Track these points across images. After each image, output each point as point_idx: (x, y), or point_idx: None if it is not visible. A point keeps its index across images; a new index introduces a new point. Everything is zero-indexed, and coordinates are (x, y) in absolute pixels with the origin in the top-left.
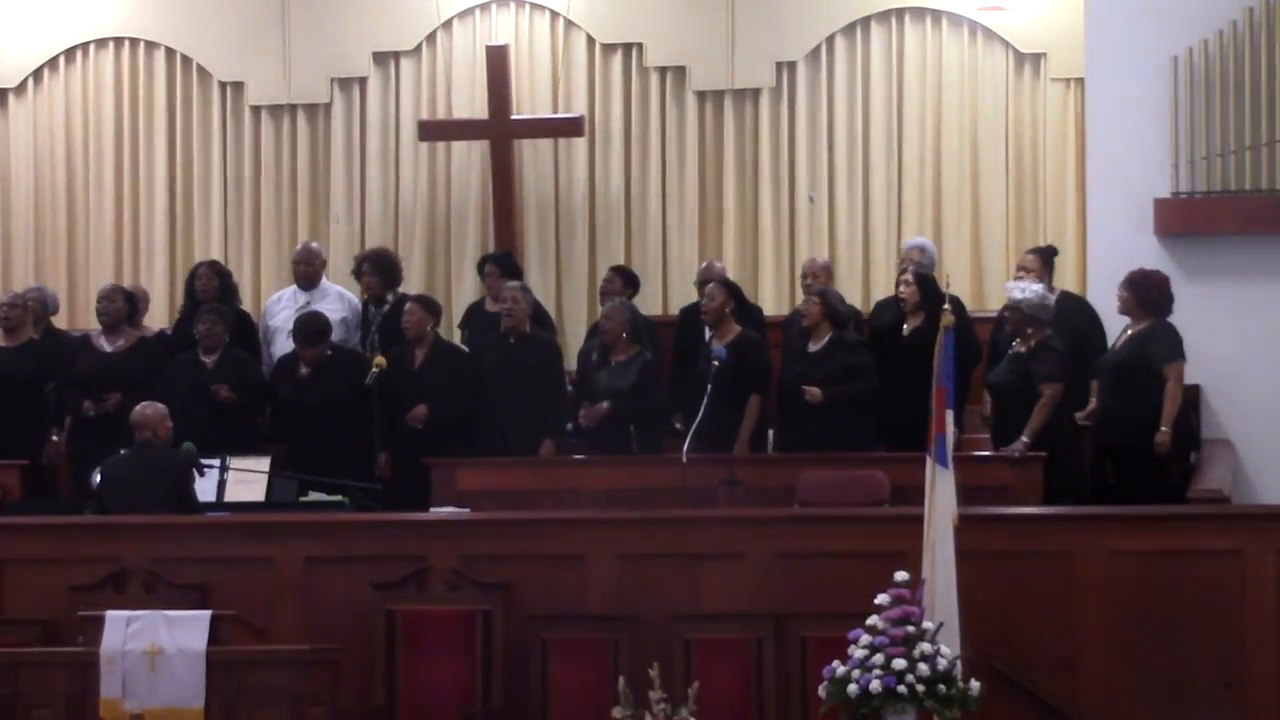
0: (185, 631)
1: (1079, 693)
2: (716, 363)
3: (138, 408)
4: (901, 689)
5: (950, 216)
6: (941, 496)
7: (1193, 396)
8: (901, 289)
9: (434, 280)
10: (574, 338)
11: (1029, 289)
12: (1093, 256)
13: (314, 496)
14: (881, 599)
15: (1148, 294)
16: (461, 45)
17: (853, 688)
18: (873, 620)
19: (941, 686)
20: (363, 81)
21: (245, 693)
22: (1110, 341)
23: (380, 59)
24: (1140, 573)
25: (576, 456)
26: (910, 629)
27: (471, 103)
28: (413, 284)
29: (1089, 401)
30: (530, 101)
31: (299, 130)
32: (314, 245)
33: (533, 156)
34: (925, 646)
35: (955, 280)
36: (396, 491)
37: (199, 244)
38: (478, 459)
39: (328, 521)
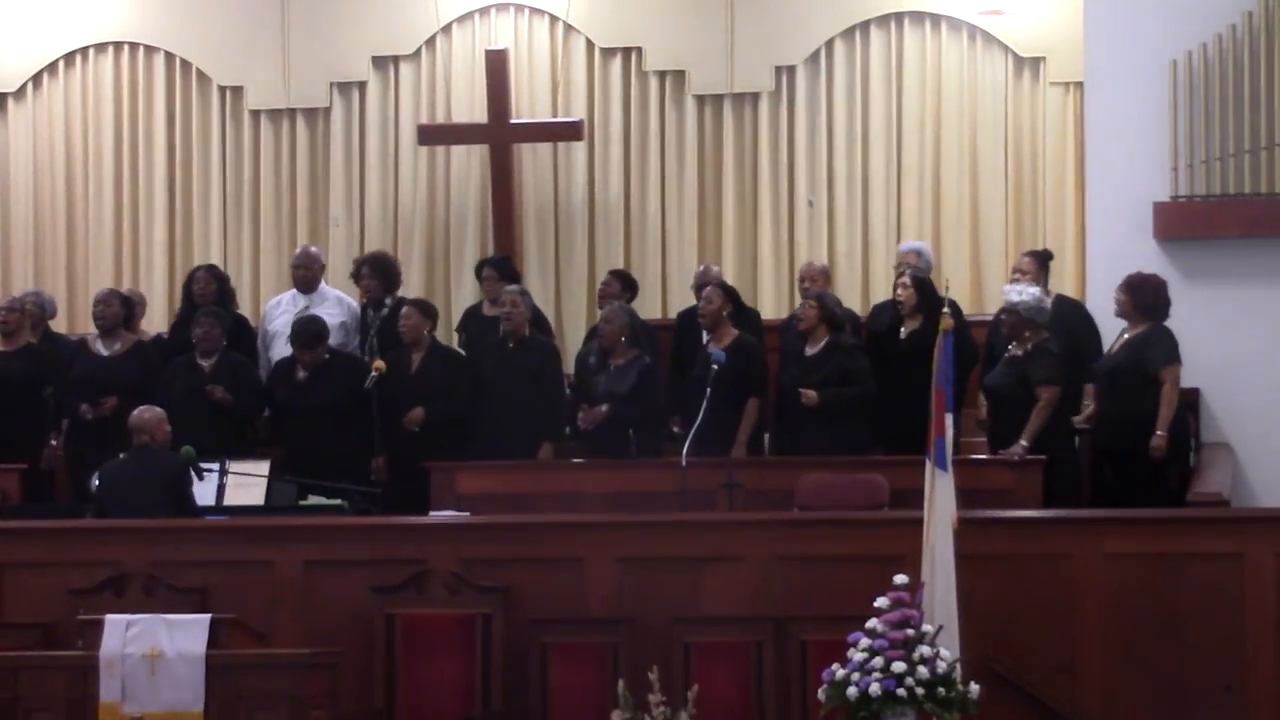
0: (185, 635)
1: (1078, 696)
2: (715, 366)
3: (135, 412)
4: (901, 692)
5: (949, 220)
6: (941, 500)
7: (1192, 400)
8: (899, 292)
9: (433, 284)
10: (573, 342)
11: (1026, 292)
12: (1092, 260)
13: (313, 500)
14: (881, 602)
15: (1145, 298)
16: (461, 49)
17: (852, 691)
18: (872, 623)
19: (941, 689)
20: (362, 86)
21: (245, 696)
22: (1106, 345)
23: (379, 63)
24: (1140, 576)
25: (576, 460)
26: (910, 632)
27: (471, 107)
28: (412, 288)
29: (1083, 405)
30: (529, 106)
31: (298, 135)
32: (313, 249)
33: (532, 161)
34: (925, 649)
35: (954, 284)
36: (395, 495)
37: (198, 248)
38: (477, 463)
39: (327, 525)
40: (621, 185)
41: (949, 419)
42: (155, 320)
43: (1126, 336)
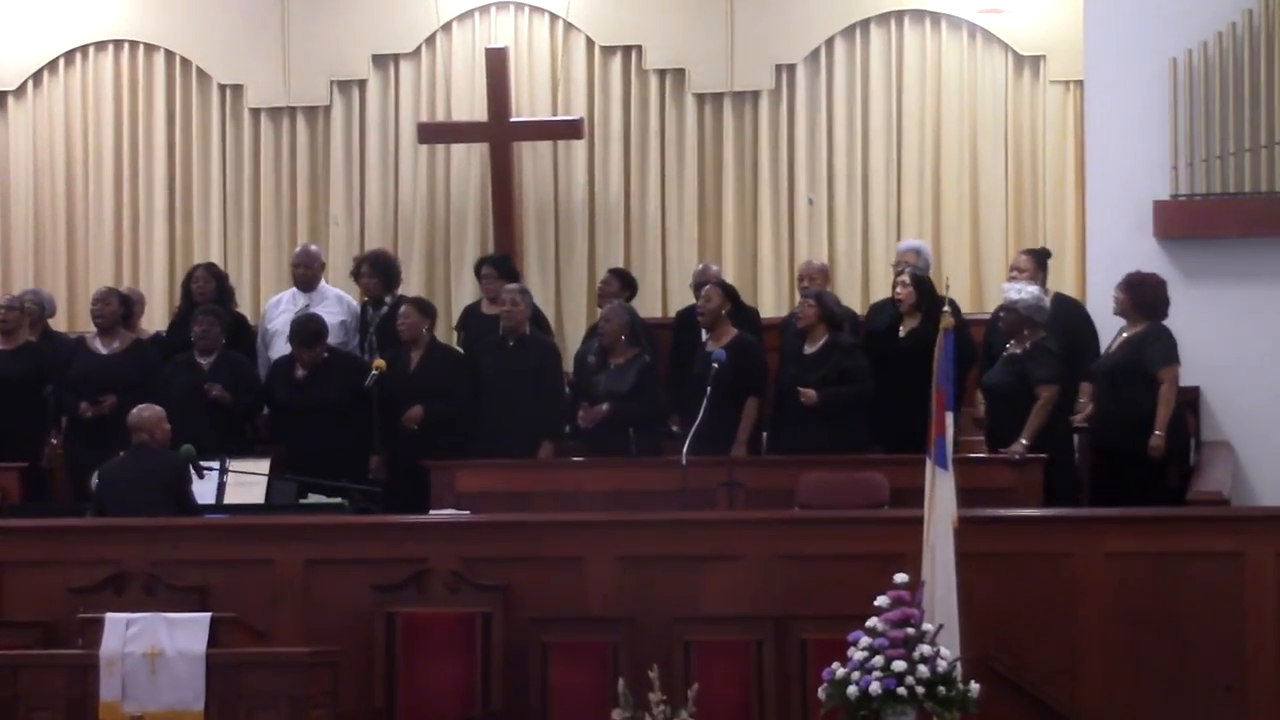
0: (185, 634)
1: (1078, 695)
2: (716, 365)
3: (134, 410)
4: (901, 691)
5: (949, 218)
6: (941, 498)
7: (1192, 398)
8: (898, 290)
9: (433, 283)
10: (573, 340)
11: (1025, 290)
12: (1092, 258)
13: (313, 499)
14: (881, 601)
15: (1144, 297)
16: (461, 48)
17: (852, 689)
18: (872, 622)
19: (941, 688)
20: (362, 84)
21: (245, 695)
22: (1104, 344)
23: (380, 61)
24: (1140, 575)
25: (576, 459)
26: (910, 631)
27: (471, 105)
28: (412, 286)
29: (1079, 403)
30: (529, 104)
31: (298, 133)
32: (313, 248)
33: (532, 159)
34: (925, 648)
35: (954, 282)
36: (395, 494)
37: (198, 246)
38: (477, 461)
39: (327, 524)
40: (621, 184)
41: (949, 418)
42: (155, 318)
43: (1125, 335)
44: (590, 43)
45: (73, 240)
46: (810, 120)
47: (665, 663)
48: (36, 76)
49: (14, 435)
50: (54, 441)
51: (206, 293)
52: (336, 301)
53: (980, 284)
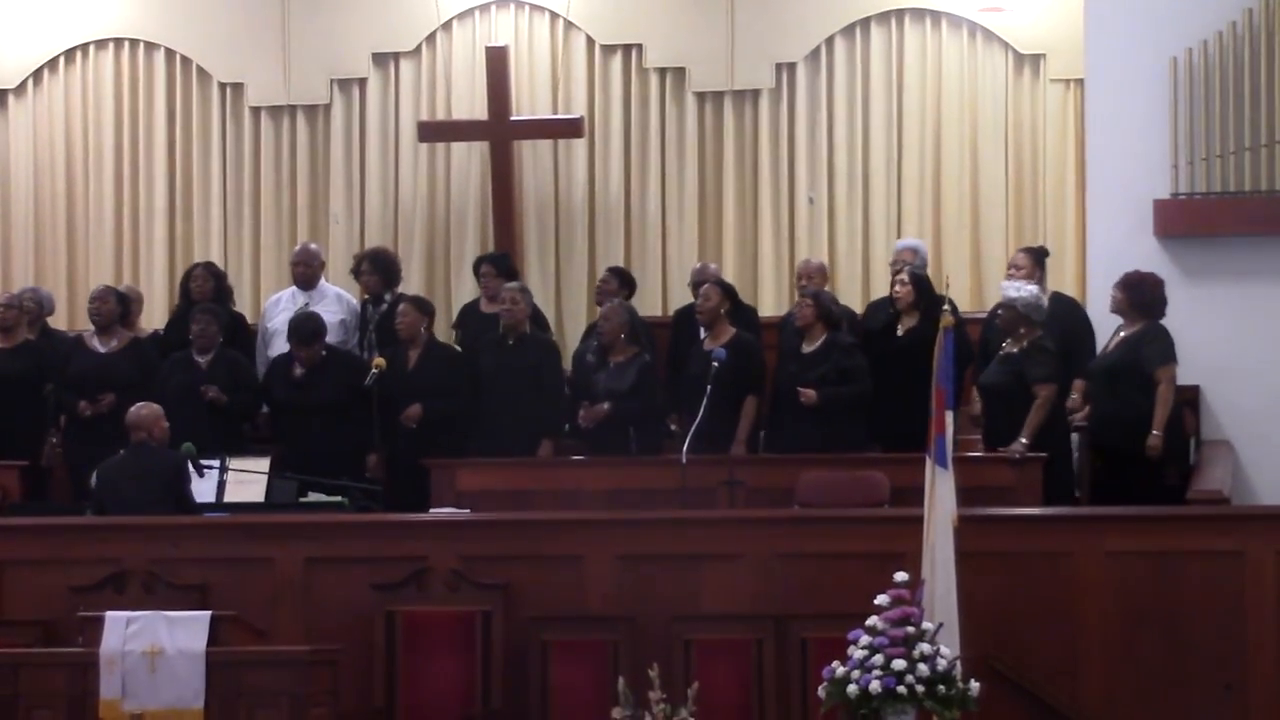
0: (185, 632)
1: (1078, 694)
2: (716, 364)
3: (133, 409)
4: (901, 689)
5: (950, 217)
6: (941, 497)
7: (1192, 397)
8: (897, 289)
9: (433, 281)
10: (573, 339)
11: (1024, 288)
12: (1092, 257)
13: (314, 497)
14: (881, 600)
15: (1142, 296)
16: (461, 46)
17: (852, 688)
18: (872, 621)
19: (941, 687)
20: (362, 82)
21: (245, 693)
22: (1101, 343)
23: (380, 60)
24: (1140, 574)
25: (576, 457)
26: (910, 630)
27: (471, 104)
28: (412, 285)
29: (1069, 399)
30: (530, 102)
31: (298, 131)
32: (313, 246)
33: (532, 157)
34: (925, 647)
35: (954, 281)
36: (394, 492)
37: (198, 245)
38: (477, 460)
39: (327, 522)
40: (622, 182)
41: (949, 416)
42: (155, 317)
43: (1122, 335)
44: (590, 41)
45: (73, 238)
46: (810, 119)
47: (665, 661)
48: (36, 75)
49: (13, 434)
50: (53, 440)
51: (205, 291)
52: (336, 300)
53: (980, 283)
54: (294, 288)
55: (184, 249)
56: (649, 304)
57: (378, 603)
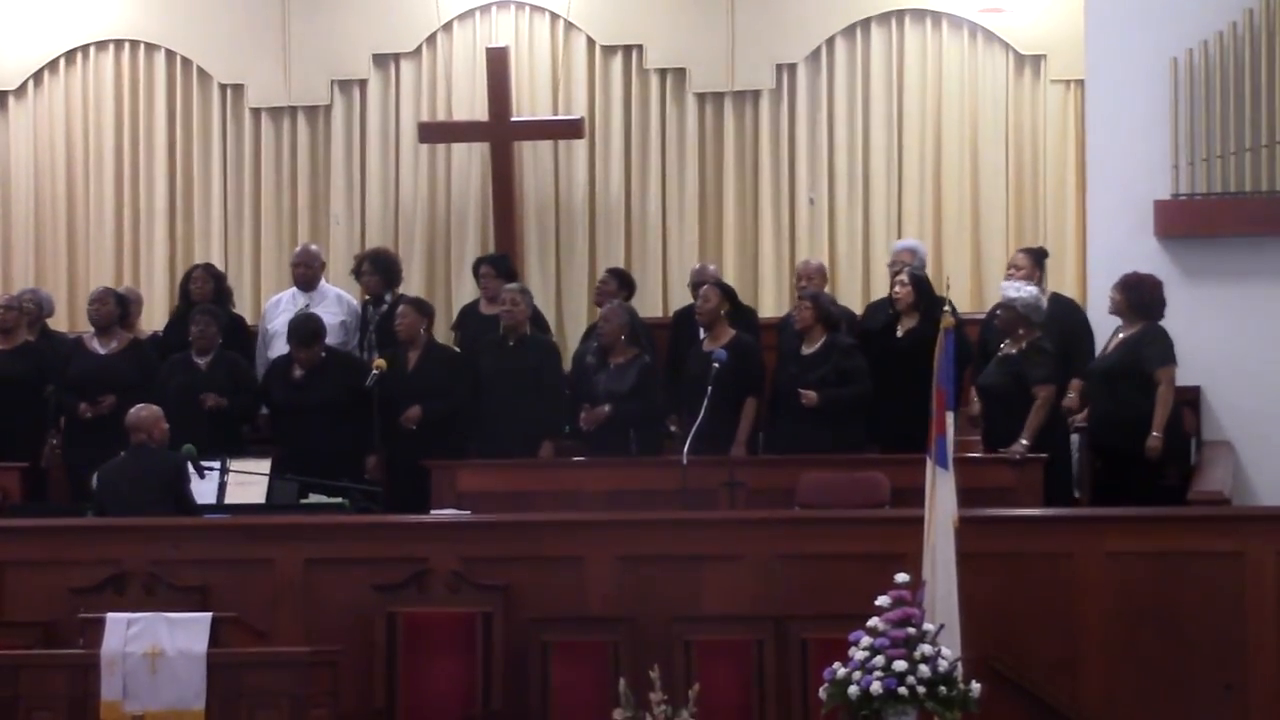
0: (186, 633)
1: (1079, 694)
2: (717, 365)
3: (132, 410)
4: (902, 691)
5: (950, 218)
6: (942, 498)
7: (1193, 398)
8: (897, 290)
9: (434, 282)
10: (573, 340)
11: (1024, 289)
12: (1092, 258)
13: (314, 499)
14: (882, 601)
15: (1141, 297)
16: (461, 47)
17: (853, 689)
18: (873, 622)
19: (942, 688)
20: (363, 83)
21: (246, 694)
22: (1099, 344)
23: (380, 61)
24: (1140, 574)
25: (576, 458)
26: (911, 631)
27: (471, 105)
28: (412, 286)
29: (1066, 396)
30: (530, 103)
31: (299, 132)
32: (313, 247)
33: (533, 158)
34: (926, 648)
35: (955, 281)
36: (394, 493)
37: (199, 246)
38: (477, 461)
39: (328, 524)
40: (622, 183)
41: (950, 417)
42: (156, 318)
43: (1121, 336)
44: (591, 42)
45: (73, 240)
46: (811, 120)
47: (666, 662)
48: (37, 76)
49: (13, 435)
50: (53, 442)
51: (205, 293)
52: (336, 301)
53: (980, 283)
54: (294, 289)
55: (184, 250)
56: (649, 305)
57: (378, 604)
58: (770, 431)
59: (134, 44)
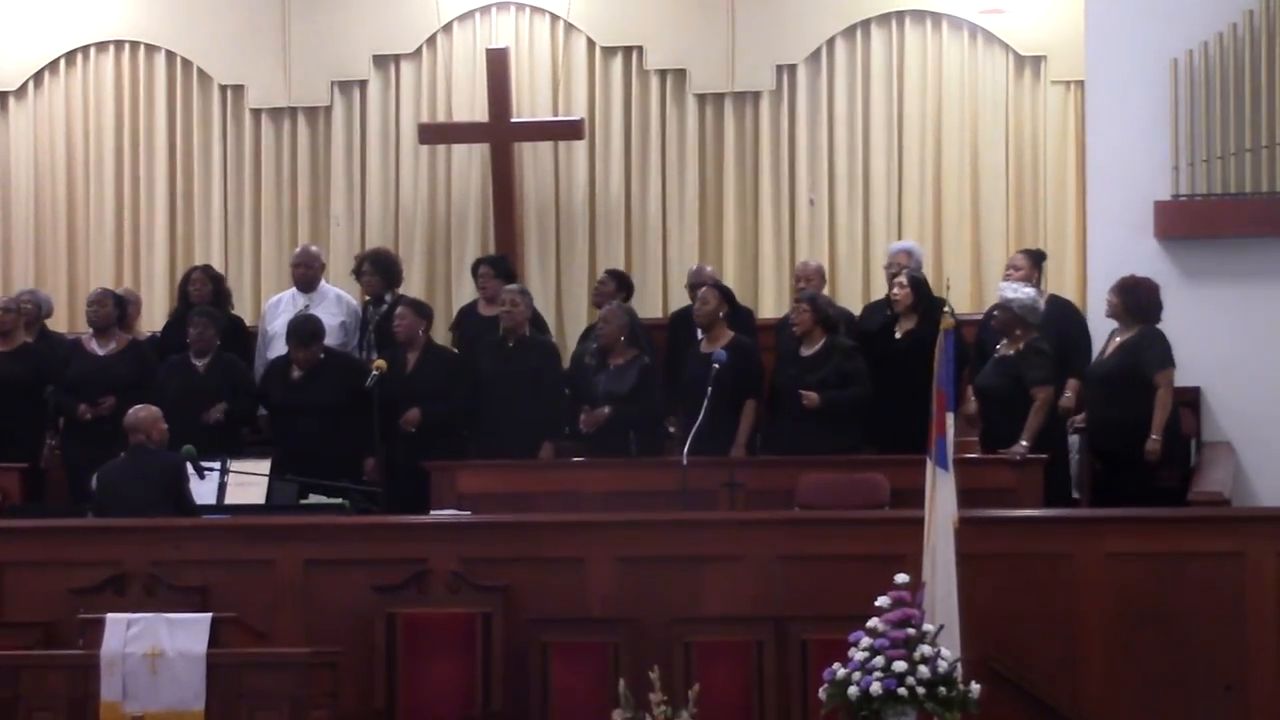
0: (186, 634)
1: (1079, 695)
2: (716, 366)
3: (131, 411)
4: (902, 691)
5: (950, 219)
6: (942, 499)
7: (1193, 399)
8: (895, 292)
9: (434, 283)
10: (573, 341)
11: (1021, 290)
12: (1092, 259)
13: (314, 499)
14: (882, 601)
15: (1139, 301)
16: (461, 48)
17: (853, 690)
18: (873, 623)
19: (942, 689)
20: (363, 84)
21: (246, 695)
22: (1096, 346)
23: (380, 62)
24: (1140, 575)
25: (576, 459)
26: (911, 631)
27: (471, 106)
28: (413, 287)
29: (1063, 396)
30: (530, 104)
31: (299, 133)
32: (313, 248)
33: (533, 159)
34: (925, 649)
35: (955, 283)
36: (394, 494)
37: (199, 247)
38: (477, 462)
39: (328, 524)
40: (622, 184)
41: (950, 418)
42: (156, 319)
43: (1118, 340)
44: (591, 43)
45: (73, 241)
46: (811, 121)
47: (666, 663)
48: (37, 77)
49: (13, 436)
50: (51, 442)
51: (203, 294)
52: (336, 302)
53: (980, 284)
54: (294, 289)
55: (184, 251)
56: (649, 306)
57: (378, 605)
58: (768, 432)
59: (134, 45)
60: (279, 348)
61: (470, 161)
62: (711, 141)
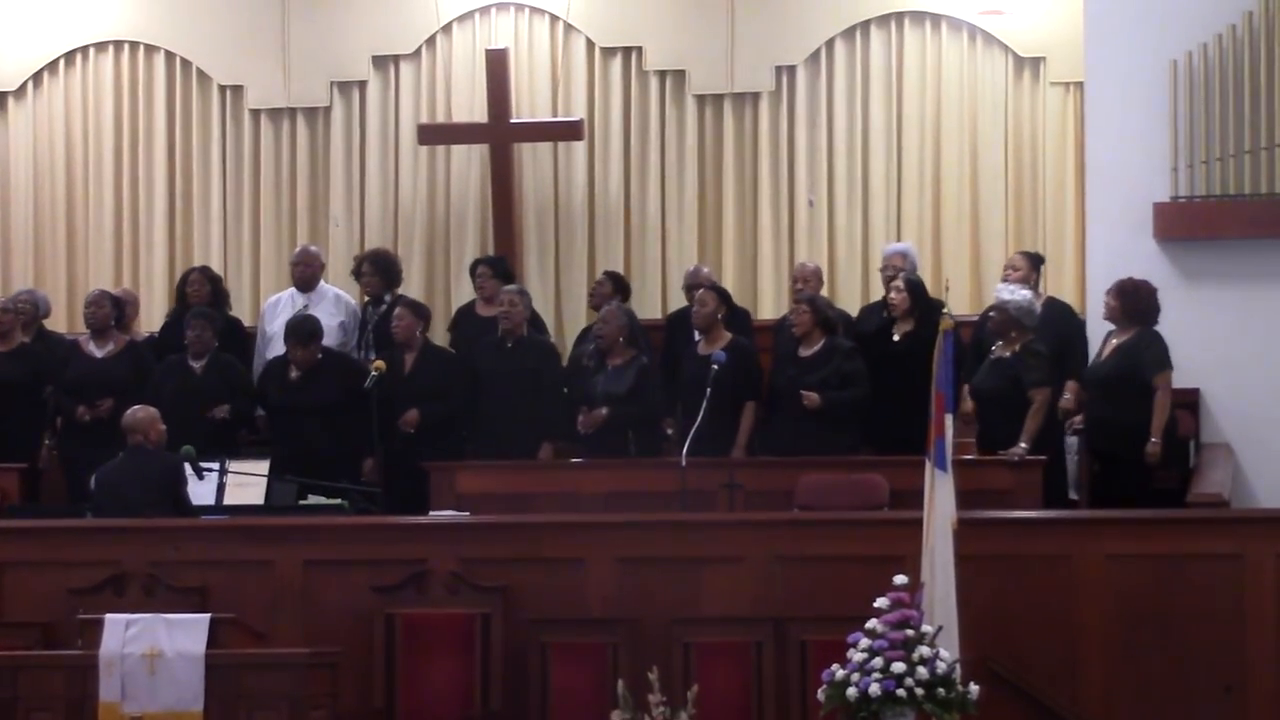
0: (184, 635)
1: (1078, 696)
2: (716, 367)
3: (129, 412)
4: (901, 692)
5: (949, 220)
6: (940, 500)
7: (1192, 400)
8: (892, 295)
9: (433, 284)
10: (572, 341)
11: (1018, 293)
12: (1092, 260)
13: (313, 500)
14: (881, 602)
15: (1137, 304)
16: (461, 49)
17: (852, 691)
18: (872, 624)
19: (940, 690)
20: (362, 85)
21: (244, 696)
22: (1092, 348)
23: (380, 62)
24: (1139, 576)
25: (575, 460)
26: (909, 632)
27: (471, 106)
28: (412, 288)
29: (1063, 398)
30: (530, 105)
31: (298, 134)
32: (313, 248)
33: (532, 160)
34: (924, 650)
35: (954, 284)
36: (393, 495)
37: (198, 247)
38: (476, 462)
39: (327, 525)
40: (621, 185)
41: (949, 419)
42: (155, 319)
43: (1115, 342)
44: (590, 44)
45: (73, 241)
46: (810, 122)
47: (665, 664)
48: (36, 77)
49: (11, 436)
50: (48, 443)
51: (201, 296)
52: (335, 302)
53: (980, 286)
54: (293, 289)
55: (184, 251)
56: (648, 307)
57: (377, 605)
58: (766, 431)
59: (133, 45)
60: (278, 348)
61: (469, 162)
62: (710, 142)
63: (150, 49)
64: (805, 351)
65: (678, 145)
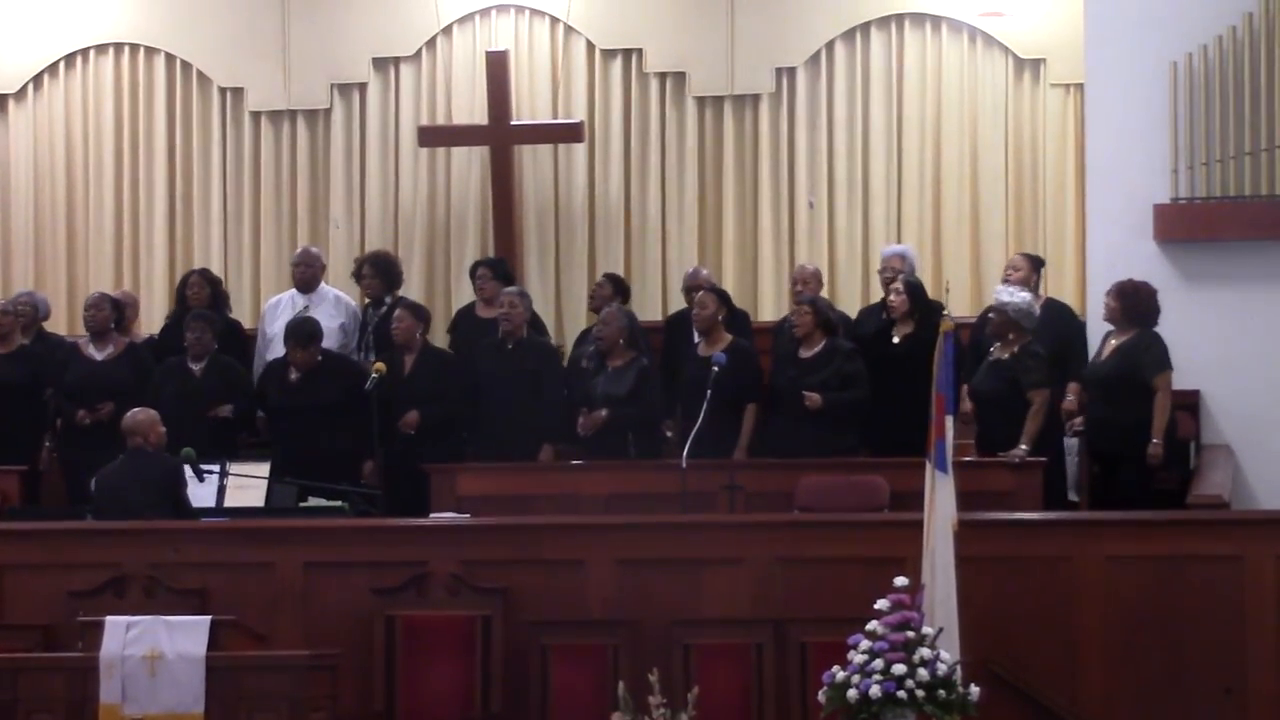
0: (185, 637)
1: (1078, 698)
2: (716, 368)
3: (129, 414)
4: (901, 694)
5: (950, 222)
6: (941, 502)
7: (1192, 401)
8: (892, 298)
9: (433, 286)
10: (573, 343)
11: (1018, 294)
12: (1092, 261)
13: (313, 502)
14: (881, 604)
15: (1137, 305)
16: (461, 51)
17: (852, 693)
18: (872, 625)
19: (941, 692)
20: (362, 87)
21: (245, 698)
22: (1090, 349)
23: (380, 65)
24: (1140, 578)
25: (575, 462)
26: (910, 634)
27: (471, 108)
28: (412, 290)
29: (1065, 399)
30: (530, 107)
31: (299, 136)
32: (313, 249)
33: (532, 162)
34: (925, 652)
35: (954, 286)
36: (393, 497)
37: (198, 249)
38: (477, 464)
39: (327, 527)
40: (621, 187)
41: (949, 421)
42: (155, 321)
43: (1115, 343)
44: (590, 46)
45: (73, 243)
46: (810, 124)
47: (665, 666)
48: (37, 79)
49: (11, 439)
50: (47, 445)
51: (201, 298)
52: (335, 304)
53: (980, 287)
54: (293, 291)
55: (184, 254)
56: (648, 308)
57: (377, 607)
58: (765, 433)
59: (134, 47)
60: (278, 349)
61: (470, 164)
62: (711, 144)
63: (150, 51)
64: (806, 353)
65: (678, 147)
